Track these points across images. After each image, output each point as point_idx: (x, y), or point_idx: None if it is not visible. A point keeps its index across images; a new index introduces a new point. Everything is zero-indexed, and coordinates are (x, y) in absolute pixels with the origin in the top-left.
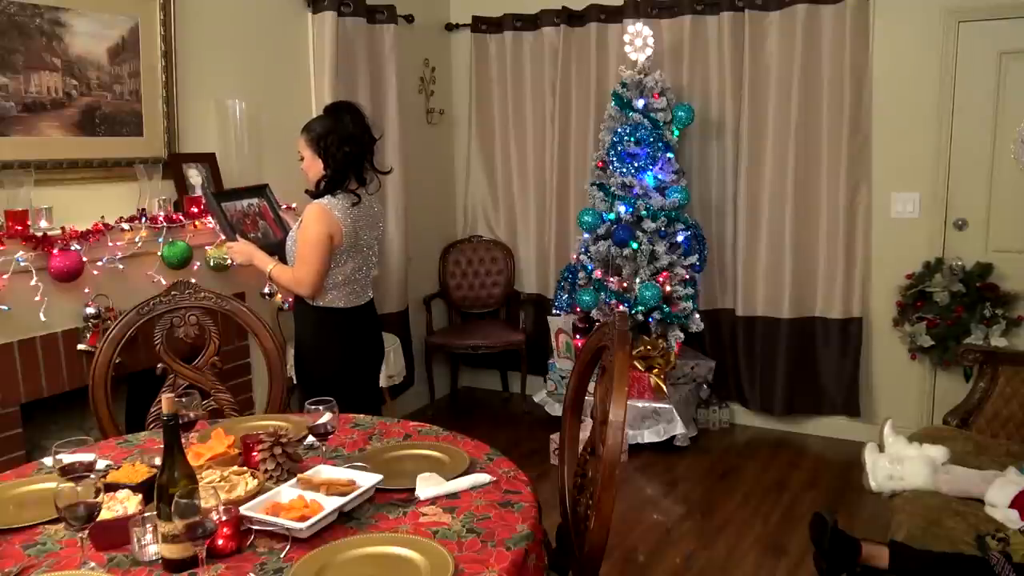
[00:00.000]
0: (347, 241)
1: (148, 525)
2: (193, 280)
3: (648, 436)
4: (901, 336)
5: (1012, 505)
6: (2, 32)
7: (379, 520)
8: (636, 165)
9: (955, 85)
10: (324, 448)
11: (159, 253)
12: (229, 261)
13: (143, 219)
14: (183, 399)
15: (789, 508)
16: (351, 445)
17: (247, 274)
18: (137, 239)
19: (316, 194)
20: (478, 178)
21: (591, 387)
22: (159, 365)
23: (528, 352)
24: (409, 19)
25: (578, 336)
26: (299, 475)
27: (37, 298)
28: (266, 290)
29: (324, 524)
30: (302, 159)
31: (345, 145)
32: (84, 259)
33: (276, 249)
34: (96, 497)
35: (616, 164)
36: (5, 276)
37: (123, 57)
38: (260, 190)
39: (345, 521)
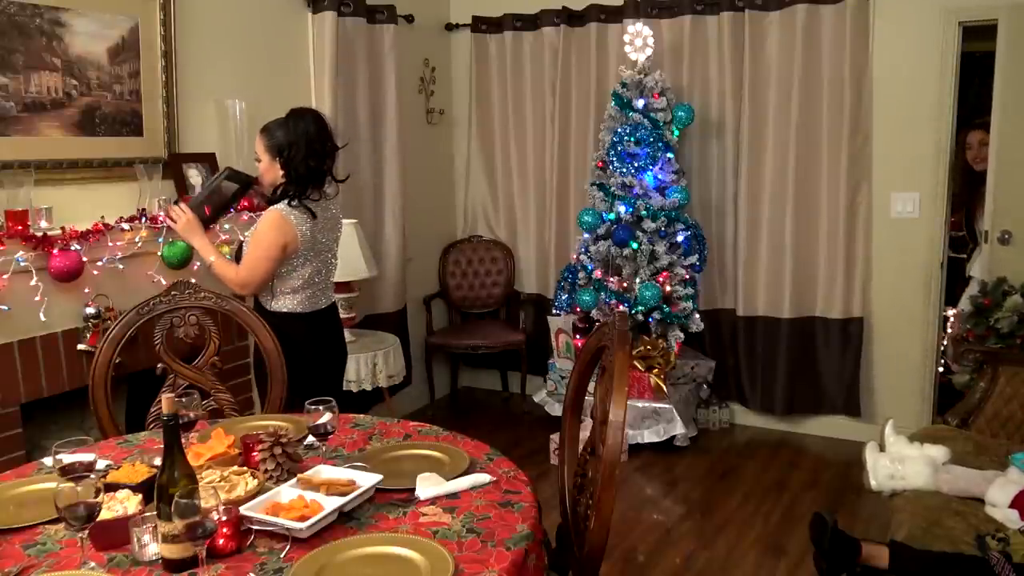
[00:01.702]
0: (304, 246)
1: (148, 525)
2: (193, 280)
3: (648, 436)
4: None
5: (1012, 505)
6: (2, 32)
7: (379, 520)
8: (636, 165)
9: (955, 85)
10: (324, 448)
11: (159, 253)
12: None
13: (143, 219)
14: (183, 399)
15: (789, 508)
16: (351, 445)
17: None
18: (137, 239)
19: (273, 199)
20: (478, 178)
21: (591, 387)
22: (159, 365)
23: (528, 352)
24: (409, 19)
25: (578, 336)
26: (299, 475)
27: (37, 298)
28: None
29: (324, 524)
30: (259, 161)
31: (310, 159)
32: (84, 259)
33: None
34: (96, 497)
35: (616, 164)
36: (5, 276)
37: (123, 57)
38: (247, 184)
39: (345, 521)
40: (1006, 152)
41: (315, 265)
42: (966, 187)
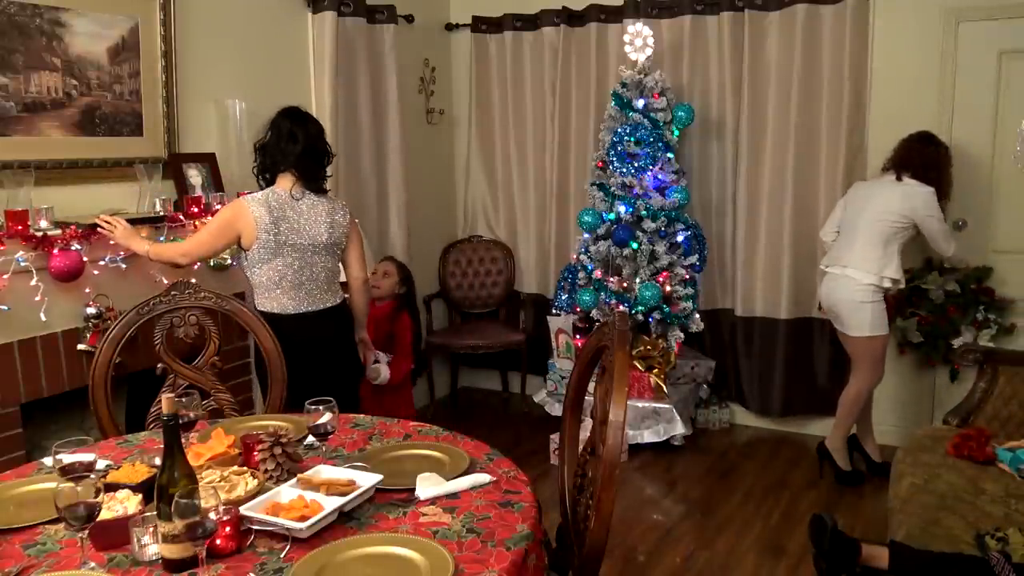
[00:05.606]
0: (263, 236)
1: (148, 525)
2: (193, 280)
3: (648, 436)
4: (893, 329)
5: None
6: (2, 32)
7: (379, 520)
8: (636, 165)
9: (955, 85)
10: (324, 448)
11: None
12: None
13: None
14: (183, 399)
15: (789, 508)
16: (351, 445)
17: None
18: None
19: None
20: (478, 178)
21: (591, 387)
22: (159, 365)
23: (528, 352)
24: (409, 19)
25: (578, 336)
26: (299, 475)
27: (37, 298)
28: None
29: (324, 524)
30: None
31: (271, 145)
32: (84, 259)
33: None
34: (96, 497)
35: (616, 164)
36: (5, 276)
37: (123, 57)
38: None
39: (345, 521)
40: (963, 146)
41: (287, 261)
42: None
